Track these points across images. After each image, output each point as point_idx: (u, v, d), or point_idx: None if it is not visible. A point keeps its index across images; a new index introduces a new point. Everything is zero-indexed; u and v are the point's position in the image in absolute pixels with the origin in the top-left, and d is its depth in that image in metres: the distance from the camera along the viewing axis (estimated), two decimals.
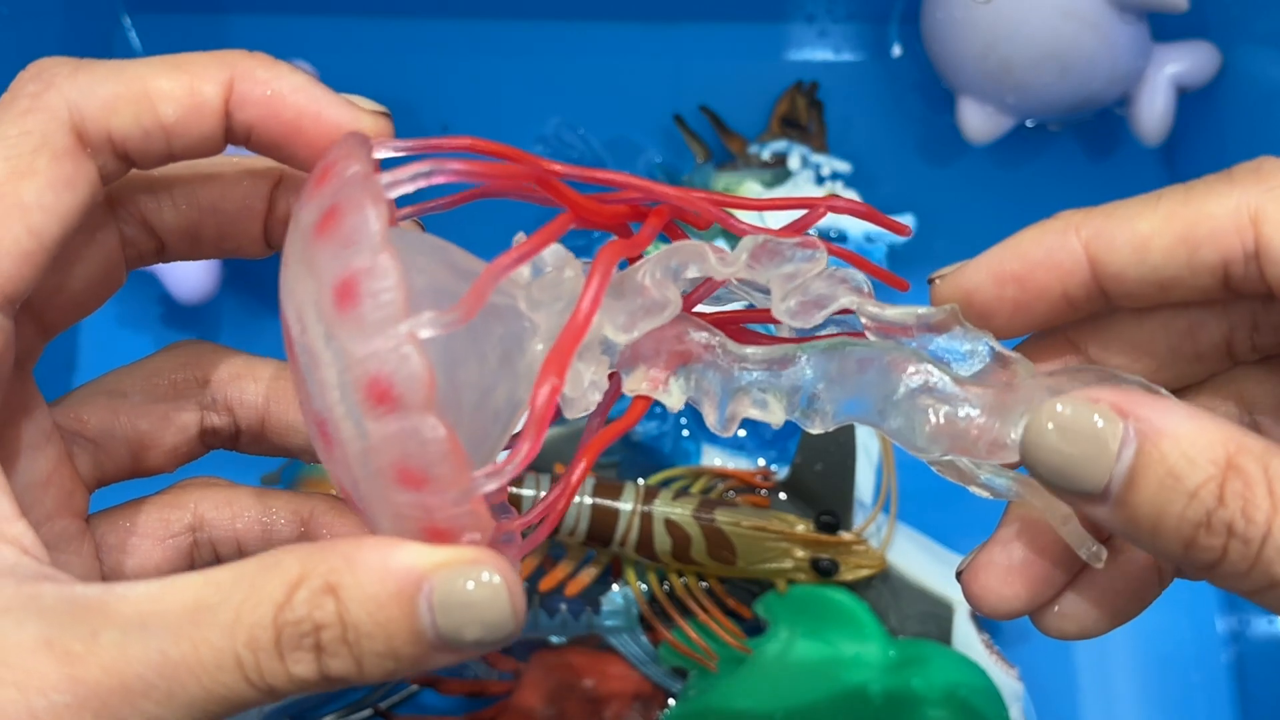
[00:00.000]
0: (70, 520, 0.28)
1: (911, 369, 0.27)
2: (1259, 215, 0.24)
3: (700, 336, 0.27)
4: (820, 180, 0.58)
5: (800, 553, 0.49)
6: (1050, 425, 0.24)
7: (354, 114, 0.28)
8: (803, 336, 0.28)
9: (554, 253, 0.27)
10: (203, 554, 0.30)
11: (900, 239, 0.57)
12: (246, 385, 0.31)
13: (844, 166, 0.58)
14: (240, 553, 0.31)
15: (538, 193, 0.27)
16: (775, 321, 0.28)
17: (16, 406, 0.27)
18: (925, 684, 0.48)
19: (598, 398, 0.26)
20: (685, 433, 0.54)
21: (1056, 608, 0.29)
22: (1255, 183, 0.25)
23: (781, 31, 0.63)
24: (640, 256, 0.27)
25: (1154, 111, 0.56)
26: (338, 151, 0.24)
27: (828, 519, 0.49)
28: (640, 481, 0.50)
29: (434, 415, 0.22)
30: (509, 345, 0.25)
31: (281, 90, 0.27)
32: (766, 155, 0.58)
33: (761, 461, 0.53)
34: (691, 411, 0.54)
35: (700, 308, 0.29)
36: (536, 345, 0.26)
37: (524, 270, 0.27)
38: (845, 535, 0.49)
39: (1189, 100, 0.57)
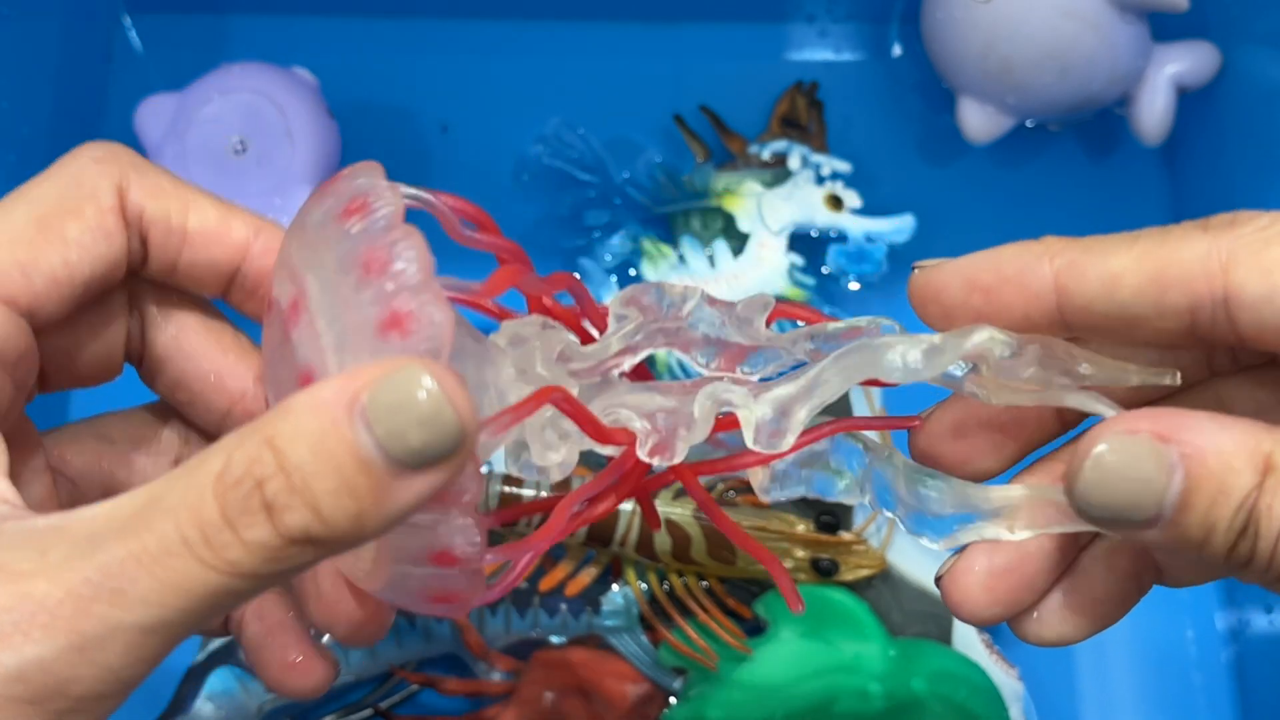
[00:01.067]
0: None
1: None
2: (1230, 261, 0.25)
3: (671, 393, 0.28)
4: (820, 180, 0.58)
5: (800, 553, 0.49)
6: (1096, 469, 0.24)
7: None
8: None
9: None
10: None
11: (900, 239, 0.57)
12: None
13: (844, 166, 0.58)
14: None
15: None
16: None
17: (12, 436, 0.28)
18: (925, 684, 0.48)
19: (556, 475, 0.27)
20: None
21: (1036, 614, 0.29)
22: (1228, 229, 0.25)
23: (781, 31, 0.63)
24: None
25: (1154, 111, 0.56)
26: (380, 211, 0.24)
27: (828, 519, 0.49)
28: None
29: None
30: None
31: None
32: (766, 155, 0.58)
33: None
34: None
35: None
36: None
37: (505, 369, 0.27)
38: (845, 535, 0.49)
39: (1189, 100, 0.57)
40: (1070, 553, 0.29)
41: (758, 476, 0.29)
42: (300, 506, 0.21)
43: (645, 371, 0.29)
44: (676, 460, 0.27)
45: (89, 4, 0.61)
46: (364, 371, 0.21)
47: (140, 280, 0.30)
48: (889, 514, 0.28)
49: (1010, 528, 0.27)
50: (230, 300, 0.30)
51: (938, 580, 0.29)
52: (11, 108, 0.56)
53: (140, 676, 0.22)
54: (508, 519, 0.28)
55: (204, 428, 0.31)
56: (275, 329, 0.26)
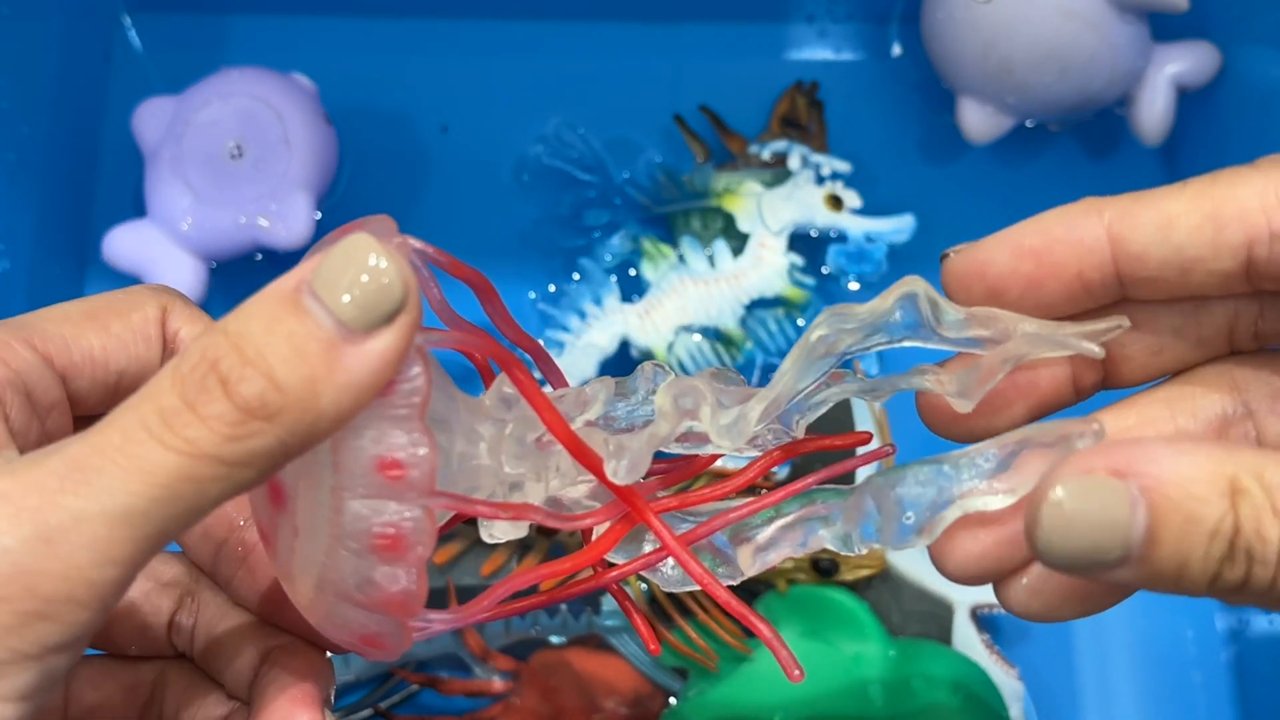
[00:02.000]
0: None
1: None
2: None
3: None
4: (820, 180, 0.58)
5: None
6: (1055, 516, 0.23)
7: None
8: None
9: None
10: None
11: (900, 240, 0.57)
12: None
13: (844, 166, 0.58)
14: None
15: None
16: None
17: None
18: (925, 684, 0.48)
19: (511, 532, 0.28)
20: None
21: (1025, 580, 0.28)
22: (1278, 165, 0.25)
23: (781, 31, 0.63)
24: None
25: (1154, 111, 0.56)
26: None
27: None
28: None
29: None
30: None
31: None
32: (766, 155, 0.58)
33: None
34: None
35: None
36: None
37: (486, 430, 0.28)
38: None
39: (1189, 100, 0.57)
40: None
41: (745, 555, 0.29)
42: (255, 375, 0.22)
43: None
44: (642, 471, 0.27)
45: (89, 4, 0.61)
46: (310, 259, 0.23)
47: None
48: (875, 545, 0.28)
49: (993, 490, 0.27)
50: None
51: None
52: (11, 108, 0.56)
53: (112, 584, 0.22)
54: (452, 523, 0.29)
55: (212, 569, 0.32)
56: None
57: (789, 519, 0.29)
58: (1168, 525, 0.23)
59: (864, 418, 0.53)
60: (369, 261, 0.22)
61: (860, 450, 0.31)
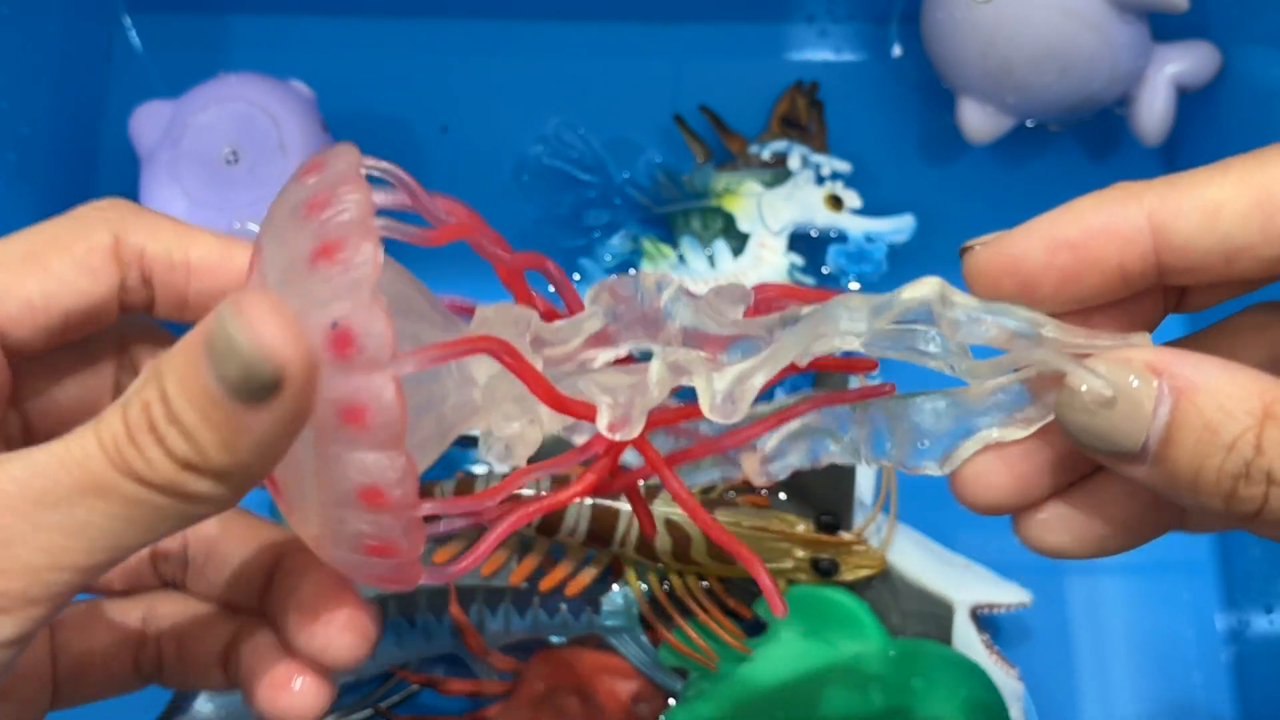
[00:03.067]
0: None
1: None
2: None
3: (630, 370, 0.28)
4: (820, 180, 0.58)
5: (800, 553, 0.49)
6: (1084, 389, 0.24)
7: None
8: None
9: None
10: None
11: (900, 240, 0.57)
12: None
13: (844, 166, 0.58)
14: None
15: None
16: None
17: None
18: (925, 684, 0.48)
19: (521, 450, 0.27)
20: None
21: (1042, 514, 0.27)
22: None
23: (781, 31, 0.63)
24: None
25: (1154, 111, 0.56)
26: (337, 167, 0.25)
27: (828, 519, 0.49)
28: (640, 482, 0.50)
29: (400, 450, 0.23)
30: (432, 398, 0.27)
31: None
32: (766, 155, 0.58)
33: None
34: None
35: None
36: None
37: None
38: (845, 535, 0.49)
39: (1189, 100, 0.57)
40: (1090, 459, 0.27)
41: (750, 463, 0.29)
42: (177, 435, 0.22)
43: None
44: (635, 433, 0.26)
45: (89, 4, 0.61)
46: (216, 309, 0.22)
47: (141, 329, 0.31)
48: (886, 462, 0.28)
49: (1014, 421, 0.26)
50: None
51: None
52: (11, 108, 0.56)
53: (67, 585, 0.23)
54: (461, 499, 0.29)
55: None
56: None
57: (794, 426, 0.28)
58: (1186, 428, 0.23)
59: None
60: (235, 339, 0.22)
61: (856, 382, 0.30)
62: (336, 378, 0.23)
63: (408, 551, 0.25)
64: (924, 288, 0.26)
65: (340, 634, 0.28)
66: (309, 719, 0.29)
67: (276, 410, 0.22)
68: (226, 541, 0.31)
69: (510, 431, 0.27)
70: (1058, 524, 0.27)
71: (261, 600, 0.30)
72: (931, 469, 0.27)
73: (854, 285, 0.57)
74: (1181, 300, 0.28)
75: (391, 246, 0.24)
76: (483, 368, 0.27)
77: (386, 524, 0.24)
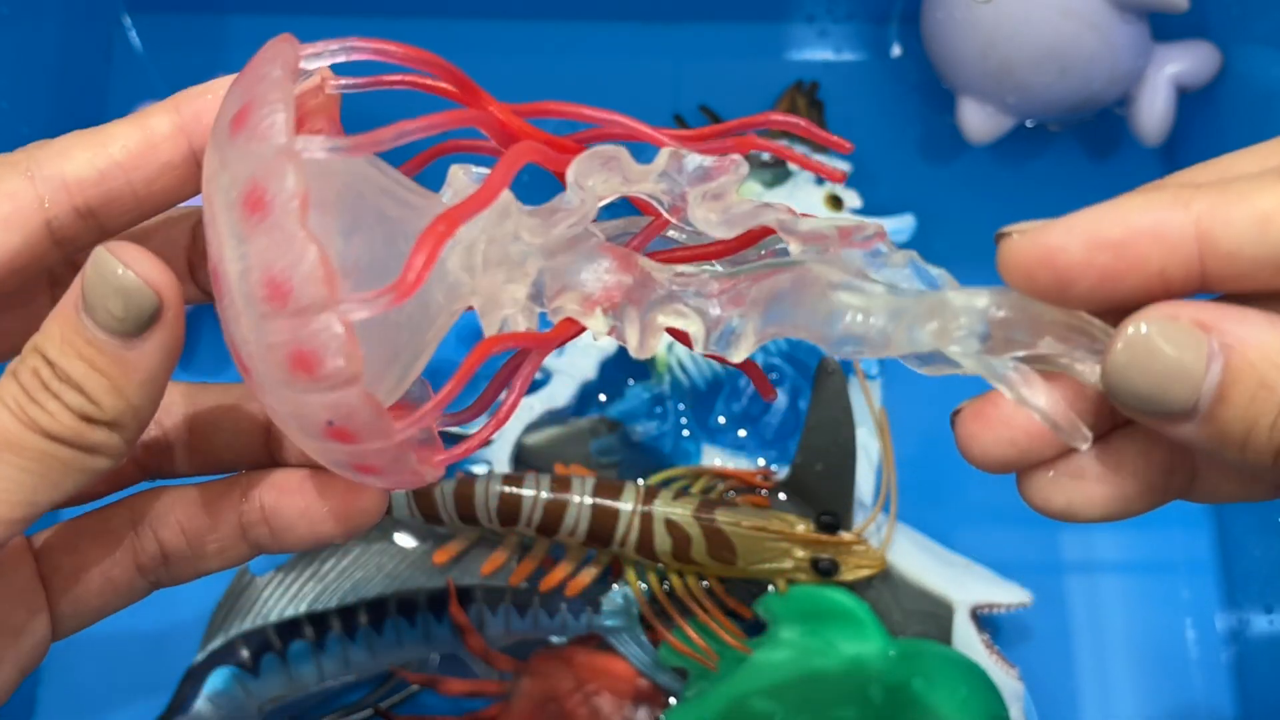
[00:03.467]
0: None
1: (828, 275, 0.26)
2: None
3: (626, 280, 0.27)
4: (820, 180, 0.58)
5: (800, 553, 0.49)
6: (1129, 348, 0.23)
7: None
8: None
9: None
10: None
11: (900, 239, 0.57)
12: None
13: (844, 166, 0.58)
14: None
15: (490, 142, 0.27)
16: (716, 256, 0.28)
17: None
18: (925, 684, 0.48)
19: (514, 314, 0.26)
20: (685, 433, 0.54)
21: (1051, 473, 0.27)
22: None
23: (781, 31, 0.63)
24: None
25: (1154, 111, 0.56)
26: (263, 53, 0.25)
27: (828, 519, 0.49)
28: (640, 482, 0.50)
29: (335, 313, 0.23)
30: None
31: (224, 87, 0.28)
32: (766, 155, 0.58)
33: (761, 461, 0.53)
34: (692, 412, 0.54)
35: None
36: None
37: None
38: (845, 535, 0.49)
39: (1189, 100, 0.57)
40: (1105, 419, 0.26)
41: (696, 326, 0.27)
42: (69, 390, 0.25)
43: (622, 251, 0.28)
44: (628, 345, 0.26)
45: (89, 4, 0.61)
46: (79, 276, 0.25)
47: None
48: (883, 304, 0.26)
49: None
50: None
51: (954, 416, 0.27)
52: (11, 108, 0.56)
53: None
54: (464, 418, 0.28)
55: None
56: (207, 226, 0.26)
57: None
58: (1241, 386, 0.23)
59: (865, 440, 0.54)
60: (116, 274, 0.24)
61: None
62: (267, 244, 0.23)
63: (377, 432, 0.24)
64: (980, 300, 0.25)
65: None
66: (379, 513, 0.29)
67: (157, 337, 0.25)
68: (206, 411, 0.31)
69: (495, 290, 0.26)
70: (1067, 484, 0.27)
71: (269, 448, 0.30)
72: (914, 364, 0.26)
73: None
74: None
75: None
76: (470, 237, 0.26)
77: (341, 400, 0.23)
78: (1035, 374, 0.25)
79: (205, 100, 0.28)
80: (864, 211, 0.57)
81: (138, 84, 0.61)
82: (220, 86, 0.28)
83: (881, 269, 0.26)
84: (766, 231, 0.27)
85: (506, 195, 0.26)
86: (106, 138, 0.28)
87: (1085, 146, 0.61)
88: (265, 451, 0.30)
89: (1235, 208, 0.24)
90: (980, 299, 0.25)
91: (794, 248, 0.26)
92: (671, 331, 0.27)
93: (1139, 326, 0.23)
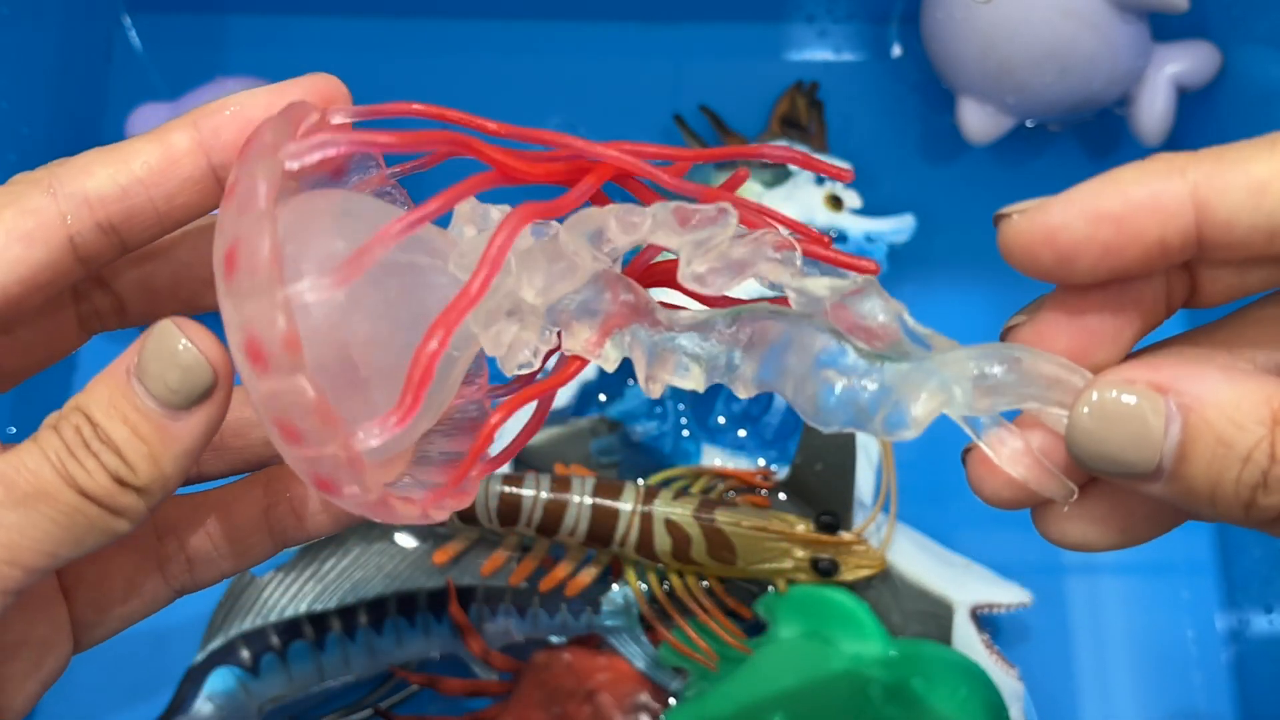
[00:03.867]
0: None
1: (820, 342, 0.26)
2: None
3: (630, 299, 0.27)
4: (820, 180, 0.58)
5: (800, 553, 0.49)
6: (1090, 414, 0.23)
7: (304, 88, 0.29)
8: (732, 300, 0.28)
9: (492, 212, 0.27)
10: None
11: (900, 239, 0.57)
12: None
13: (847, 165, 0.58)
14: None
15: (476, 156, 0.27)
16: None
17: None
18: (925, 684, 0.48)
19: (531, 357, 0.27)
20: (685, 433, 0.54)
21: (1066, 506, 0.27)
22: None
23: (781, 31, 0.63)
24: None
25: (1154, 111, 0.56)
26: (263, 124, 0.25)
27: (828, 519, 0.49)
28: (640, 482, 0.50)
29: (303, 376, 0.23)
30: (423, 306, 0.26)
31: (242, 102, 0.28)
32: None
33: (761, 462, 0.53)
34: (692, 412, 0.54)
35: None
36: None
37: (466, 229, 0.27)
38: (845, 535, 0.49)
39: (1189, 100, 0.57)
40: None
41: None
42: (108, 452, 0.26)
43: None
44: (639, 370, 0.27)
45: (89, 4, 0.61)
46: (136, 342, 0.26)
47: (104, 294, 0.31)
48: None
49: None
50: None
51: (965, 455, 0.27)
52: (11, 108, 0.56)
53: (13, 582, 0.26)
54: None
55: None
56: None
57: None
58: (1199, 444, 0.23)
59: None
60: (177, 348, 0.25)
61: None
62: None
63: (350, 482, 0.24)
64: (933, 404, 0.26)
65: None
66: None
67: (203, 412, 0.26)
68: (234, 411, 0.31)
69: (508, 344, 0.27)
70: (1080, 516, 0.27)
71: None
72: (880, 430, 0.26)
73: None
74: (1192, 295, 0.27)
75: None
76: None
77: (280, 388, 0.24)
78: (1016, 432, 0.26)
79: (224, 116, 0.28)
80: (864, 211, 0.57)
81: (138, 84, 0.61)
82: (236, 102, 0.28)
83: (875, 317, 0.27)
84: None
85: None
86: (128, 154, 0.28)
87: (1085, 146, 0.61)
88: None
89: (1230, 174, 0.24)
90: (969, 366, 0.26)
91: (791, 295, 0.27)
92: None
93: (1095, 394, 0.24)
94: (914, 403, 0.26)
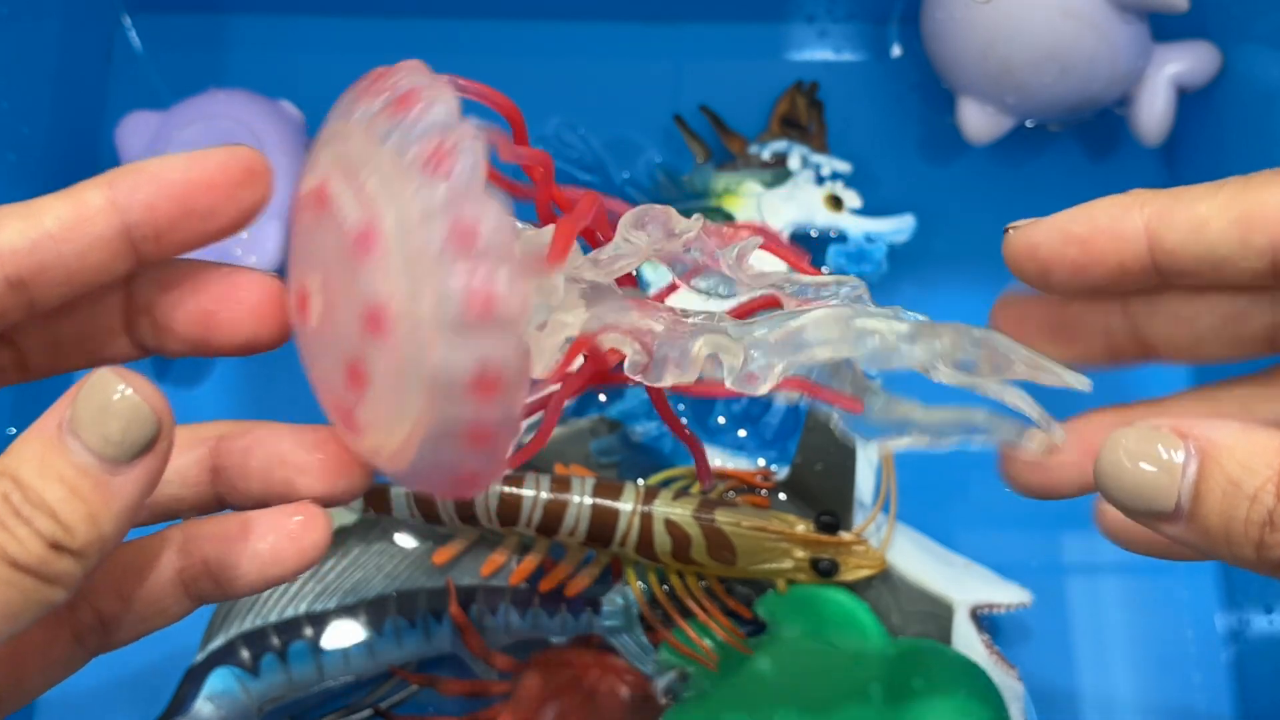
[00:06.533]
0: None
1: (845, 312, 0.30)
2: None
3: (661, 316, 0.30)
4: (820, 180, 0.58)
5: (800, 553, 0.49)
6: (1120, 455, 0.26)
7: (223, 158, 0.29)
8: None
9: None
10: None
11: (900, 240, 0.57)
12: None
13: (844, 166, 0.58)
14: None
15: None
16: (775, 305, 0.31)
17: None
18: (925, 684, 0.48)
19: (561, 342, 0.29)
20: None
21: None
22: None
23: (781, 31, 0.63)
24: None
25: (1154, 111, 0.56)
26: (437, 112, 0.27)
27: (828, 519, 0.49)
28: (640, 482, 0.50)
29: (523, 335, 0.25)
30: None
31: (160, 165, 0.28)
32: (766, 155, 0.58)
33: (761, 461, 0.53)
34: (691, 411, 0.54)
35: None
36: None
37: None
38: (845, 535, 0.49)
39: (1189, 100, 0.57)
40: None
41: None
42: (41, 516, 0.24)
43: (630, 279, 0.31)
44: (661, 384, 0.29)
45: (89, 4, 0.61)
46: (66, 396, 0.24)
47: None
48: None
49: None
50: None
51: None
52: (11, 108, 0.56)
53: None
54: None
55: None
56: (313, 220, 0.28)
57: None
58: (1212, 483, 0.25)
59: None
60: (114, 398, 0.24)
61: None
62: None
63: (506, 440, 0.27)
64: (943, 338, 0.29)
65: None
66: (318, 556, 0.30)
67: (145, 465, 0.24)
68: (262, 436, 0.30)
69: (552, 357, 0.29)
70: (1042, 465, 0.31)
71: (217, 491, 0.30)
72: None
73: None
74: (1170, 336, 0.31)
75: None
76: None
77: (493, 412, 0.26)
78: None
79: (139, 177, 0.28)
80: (864, 211, 0.57)
81: (138, 84, 0.61)
82: (154, 165, 0.28)
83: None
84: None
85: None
86: (39, 209, 0.27)
87: (1085, 146, 0.61)
88: (212, 495, 0.30)
89: (1177, 211, 0.28)
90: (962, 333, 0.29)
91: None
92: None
93: (1124, 433, 0.26)
94: (931, 343, 0.29)
